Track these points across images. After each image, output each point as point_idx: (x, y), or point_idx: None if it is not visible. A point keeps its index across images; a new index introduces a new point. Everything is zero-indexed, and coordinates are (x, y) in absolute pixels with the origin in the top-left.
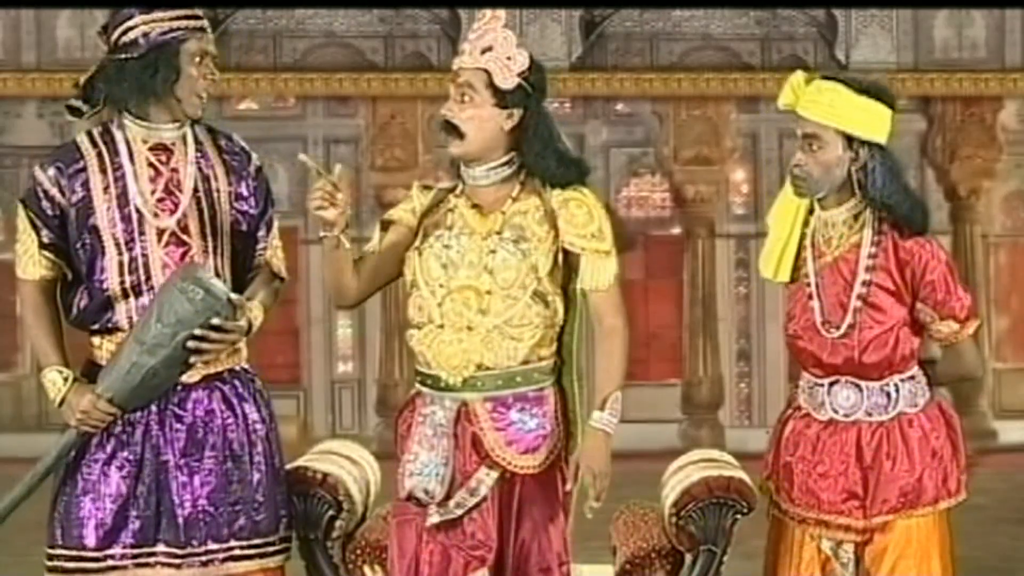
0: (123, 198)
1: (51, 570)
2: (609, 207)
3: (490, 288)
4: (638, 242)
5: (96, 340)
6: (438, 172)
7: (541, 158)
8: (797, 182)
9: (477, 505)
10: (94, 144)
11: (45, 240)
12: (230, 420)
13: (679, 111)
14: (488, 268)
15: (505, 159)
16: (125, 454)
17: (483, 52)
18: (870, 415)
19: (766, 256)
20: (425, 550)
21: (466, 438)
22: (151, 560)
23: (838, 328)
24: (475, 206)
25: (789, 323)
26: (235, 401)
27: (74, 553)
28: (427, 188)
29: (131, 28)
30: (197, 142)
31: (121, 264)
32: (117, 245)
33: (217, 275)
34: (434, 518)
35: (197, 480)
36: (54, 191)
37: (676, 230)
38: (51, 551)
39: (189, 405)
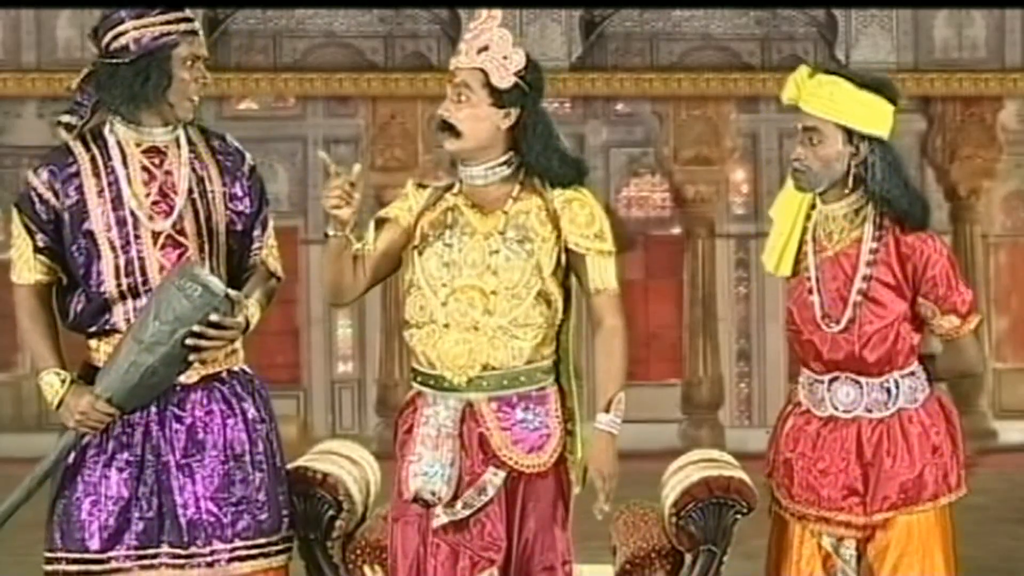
0: (117, 201)
1: (51, 574)
2: (608, 208)
3: (495, 288)
4: (638, 242)
5: (93, 343)
6: (438, 172)
7: (544, 157)
8: (797, 176)
9: (484, 505)
10: (87, 147)
11: (40, 244)
12: (230, 420)
13: (679, 111)
14: (492, 268)
15: (503, 159)
16: (125, 456)
17: (479, 52)
18: (870, 411)
19: (769, 250)
20: (431, 551)
21: (472, 438)
22: (155, 562)
23: (838, 322)
24: (475, 205)
25: (789, 317)
26: (234, 401)
27: (76, 556)
28: (422, 187)
29: (122, 33)
30: (190, 144)
31: (117, 267)
32: (113, 248)
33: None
34: (441, 519)
35: (199, 480)
36: (48, 195)
37: (676, 230)
38: (51, 554)
39: (188, 406)
